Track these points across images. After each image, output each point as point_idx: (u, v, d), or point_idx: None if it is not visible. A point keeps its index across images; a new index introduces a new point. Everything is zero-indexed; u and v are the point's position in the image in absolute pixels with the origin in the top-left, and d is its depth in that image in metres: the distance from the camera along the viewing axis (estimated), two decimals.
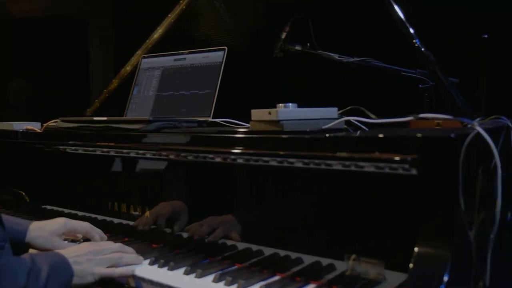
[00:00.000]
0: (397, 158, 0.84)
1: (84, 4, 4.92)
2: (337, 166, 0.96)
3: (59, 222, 1.33)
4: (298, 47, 1.91)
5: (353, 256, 0.98)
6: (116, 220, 1.49)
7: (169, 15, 2.00)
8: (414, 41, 1.40)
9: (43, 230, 1.30)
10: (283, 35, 1.93)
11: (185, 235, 1.32)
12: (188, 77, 1.78)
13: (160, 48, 2.00)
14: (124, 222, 1.47)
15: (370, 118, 1.26)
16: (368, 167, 0.89)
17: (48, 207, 1.77)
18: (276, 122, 1.18)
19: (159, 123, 1.43)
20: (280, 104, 1.25)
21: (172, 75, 1.83)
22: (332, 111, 1.26)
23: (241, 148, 1.17)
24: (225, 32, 2.16)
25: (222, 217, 1.31)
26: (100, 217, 1.54)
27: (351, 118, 1.18)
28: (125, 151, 1.40)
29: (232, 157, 1.19)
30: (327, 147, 1.01)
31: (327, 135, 1.06)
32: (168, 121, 1.47)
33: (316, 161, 1.00)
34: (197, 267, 1.10)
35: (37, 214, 1.66)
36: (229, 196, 1.33)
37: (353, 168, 0.92)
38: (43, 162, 1.73)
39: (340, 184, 1.03)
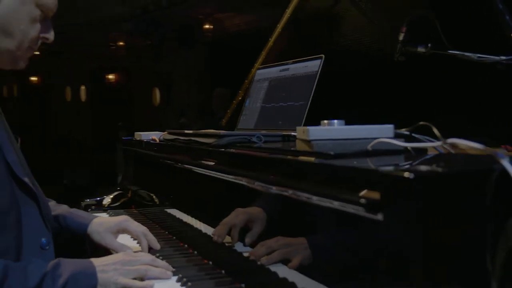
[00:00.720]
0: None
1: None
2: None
3: (116, 221, 1.40)
4: (421, 49, 1.67)
5: None
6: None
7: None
8: None
9: (101, 226, 1.38)
10: (401, 37, 1.71)
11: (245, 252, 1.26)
12: (288, 88, 1.71)
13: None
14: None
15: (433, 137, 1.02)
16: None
17: (169, 210, 1.93)
18: (308, 142, 1.05)
19: (230, 138, 1.41)
20: (325, 121, 1.11)
21: (276, 86, 1.79)
22: (387, 129, 1.06)
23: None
24: (372, 34, 2.01)
25: (290, 239, 1.22)
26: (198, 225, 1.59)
27: (384, 139, 0.96)
28: (195, 165, 1.43)
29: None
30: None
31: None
32: (242, 135, 1.43)
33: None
34: None
35: (157, 216, 1.82)
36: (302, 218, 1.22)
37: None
38: (160, 170, 1.88)
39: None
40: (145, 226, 1.65)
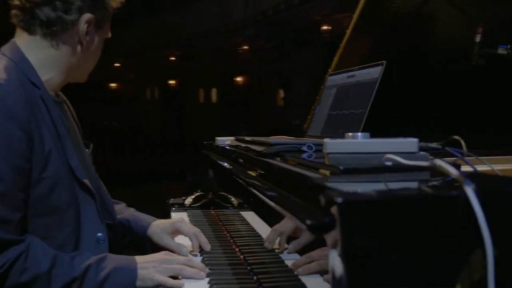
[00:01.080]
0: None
1: None
2: None
3: (171, 222, 1.50)
4: (502, 51, 1.54)
5: None
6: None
7: None
8: None
9: (158, 227, 1.49)
10: (478, 38, 1.58)
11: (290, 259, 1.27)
12: (351, 95, 1.67)
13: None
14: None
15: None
16: None
17: (245, 213, 2.00)
18: (327, 155, 1.03)
19: (279, 147, 1.43)
20: (350, 134, 1.08)
21: (342, 93, 1.76)
22: (410, 143, 0.99)
23: None
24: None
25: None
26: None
27: (390, 155, 0.91)
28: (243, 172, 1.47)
29: None
30: None
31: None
32: (293, 144, 1.45)
33: None
34: None
35: (228, 218, 1.90)
36: None
37: None
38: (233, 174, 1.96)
39: None
40: (213, 227, 1.75)
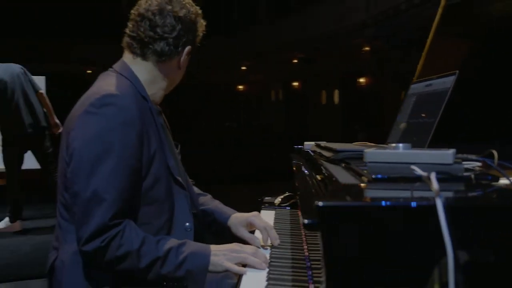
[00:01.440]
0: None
1: None
2: None
3: (246, 216, 1.67)
4: None
5: None
6: None
7: None
8: None
9: (235, 220, 1.68)
10: None
11: None
12: (426, 104, 1.70)
13: None
14: None
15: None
16: None
17: None
18: (366, 164, 1.12)
19: (344, 154, 1.53)
20: (393, 144, 1.15)
21: (419, 102, 1.78)
22: (446, 155, 1.04)
23: None
24: None
25: None
26: None
27: (413, 166, 0.97)
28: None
29: None
30: None
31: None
32: (359, 151, 1.53)
33: None
34: None
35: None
36: None
37: None
38: None
39: None
40: (292, 226, 1.89)
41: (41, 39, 12.90)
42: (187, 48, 1.57)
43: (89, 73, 13.81)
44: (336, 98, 15.02)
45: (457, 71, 1.56)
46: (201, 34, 1.62)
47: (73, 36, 13.34)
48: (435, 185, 0.72)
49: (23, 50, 11.12)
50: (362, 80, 13.25)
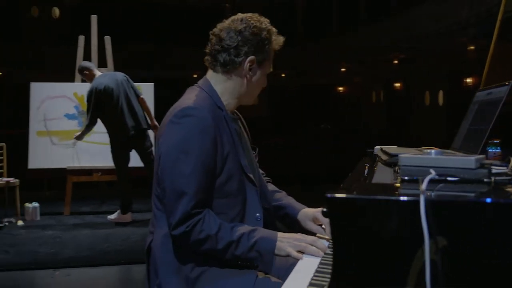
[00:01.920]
0: None
1: None
2: None
3: (313, 211, 1.89)
4: None
5: None
6: None
7: None
8: None
9: (304, 214, 1.92)
10: None
11: None
12: (484, 112, 1.78)
13: None
14: None
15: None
16: None
17: None
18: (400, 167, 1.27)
19: (396, 158, 1.67)
20: (426, 150, 1.30)
21: (479, 110, 1.86)
22: (468, 161, 1.17)
23: None
24: None
25: None
26: None
27: (430, 169, 1.11)
28: None
29: None
30: None
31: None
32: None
33: None
34: None
35: None
36: None
37: None
38: None
39: None
40: None
41: (156, 44, 13.85)
42: (249, 58, 1.78)
43: (195, 77, 14.65)
44: (440, 99, 14.42)
45: (511, 82, 1.63)
46: (267, 47, 1.81)
47: (181, 42, 14.21)
48: (424, 185, 0.89)
49: (137, 56, 12.14)
50: (469, 80, 12.60)
